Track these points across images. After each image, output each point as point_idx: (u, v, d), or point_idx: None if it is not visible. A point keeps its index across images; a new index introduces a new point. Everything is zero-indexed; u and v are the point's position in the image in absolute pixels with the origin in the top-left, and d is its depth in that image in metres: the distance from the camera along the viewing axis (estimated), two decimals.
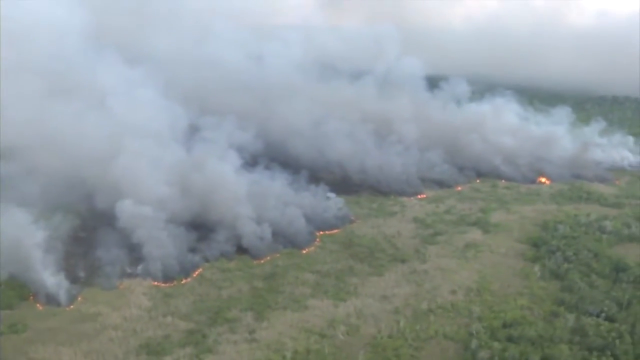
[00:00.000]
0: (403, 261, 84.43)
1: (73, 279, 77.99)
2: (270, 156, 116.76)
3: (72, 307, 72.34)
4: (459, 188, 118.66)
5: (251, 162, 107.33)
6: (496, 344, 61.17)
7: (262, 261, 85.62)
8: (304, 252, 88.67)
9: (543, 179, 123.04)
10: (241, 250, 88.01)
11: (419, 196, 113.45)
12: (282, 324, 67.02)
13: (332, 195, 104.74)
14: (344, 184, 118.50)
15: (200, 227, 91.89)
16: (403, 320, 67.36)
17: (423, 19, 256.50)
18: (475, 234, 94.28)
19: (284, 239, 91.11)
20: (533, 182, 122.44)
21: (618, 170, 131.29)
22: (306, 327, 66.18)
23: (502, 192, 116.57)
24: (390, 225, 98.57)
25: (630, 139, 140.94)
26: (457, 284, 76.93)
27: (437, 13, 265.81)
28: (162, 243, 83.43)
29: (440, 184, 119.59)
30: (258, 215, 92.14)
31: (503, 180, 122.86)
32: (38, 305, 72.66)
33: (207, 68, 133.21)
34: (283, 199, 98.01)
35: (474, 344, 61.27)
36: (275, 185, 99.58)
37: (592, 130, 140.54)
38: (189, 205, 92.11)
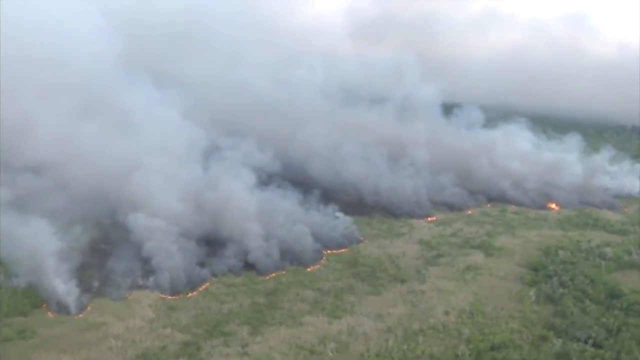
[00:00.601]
0: (402, 281, 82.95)
1: (85, 289, 78.97)
2: (288, 176, 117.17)
3: (80, 315, 73.10)
4: (469, 212, 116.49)
5: (267, 181, 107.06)
6: None
7: (267, 277, 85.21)
8: (309, 269, 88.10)
9: (552, 205, 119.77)
10: (248, 266, 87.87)
11: (429, 218, 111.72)
12: (275, 339, 66.36)
13: (340, 214, 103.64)
14: (358, 205, 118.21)
15: (211, 243, 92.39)
16: (393, 340, 66.06)
17: (450, 48, 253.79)
18: (478, 257, 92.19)
19: (291, 256, 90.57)
20: (542, 207, 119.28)
21: (627, 198, 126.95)
22: (297, 343, 65.33)
23: (511, 216, 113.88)
24: (396, 246, 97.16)
25: (639, 167, 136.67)
26: (451, 305, 75.19)
27: (463, 43, 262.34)
28: (171, 256, 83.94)
29: (451, 207, 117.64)
30: (267, 233, 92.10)
31: (513, 205, 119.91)
32: (49, 313, 73.55)
33: (235, 92, 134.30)
34: (292, 217, 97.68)
35: None
36: (285, 204, 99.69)
37: (602, 158, 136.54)
38: (202, 221, 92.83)
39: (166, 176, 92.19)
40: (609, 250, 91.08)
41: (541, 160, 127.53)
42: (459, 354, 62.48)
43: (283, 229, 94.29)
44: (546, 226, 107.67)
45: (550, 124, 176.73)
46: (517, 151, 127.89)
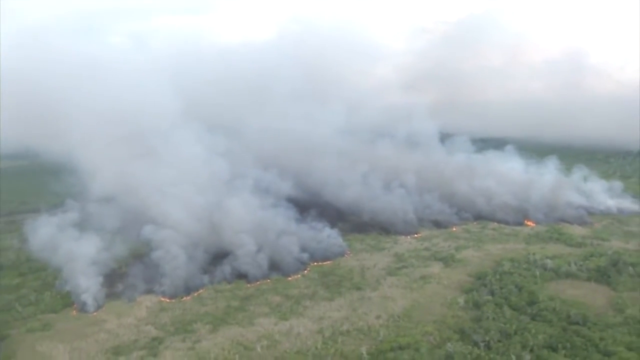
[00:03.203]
0: (359, 289, 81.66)
1: (108, 291, 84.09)
2: (306, 200, 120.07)
3: (95, 313, 77.78)
4: (454, 229, 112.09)
5: (278, 203, 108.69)
6: None
7: (252, 285, 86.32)
8: (290, 278, 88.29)
9: (528, 222, 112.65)
10: (241, 274, 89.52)
11: (415, 235, 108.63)
12: (224, 337, 67.96)
13: (330, 231, 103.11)
14: (359, 223, 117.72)
15: (217, 253, 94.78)
16: (318, 339, 65.62)
17: (483, 93, 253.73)
18: (436, 268, 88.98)
19: (278, 267, 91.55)
20: (520, 224, 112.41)
21: (602, 215, 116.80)
22: (239, 340, 66.60)
23: (488, 232, 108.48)
24: (372, 259, 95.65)
25: (618, 184, 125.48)
26: (386, 310, 73.36)
27: (492, 88, 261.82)
28: (175, 263, 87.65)
29: (438, 224, 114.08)
30: (260, 246, 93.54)
31: (495, 223, 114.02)
32: (74, 311, 78.94)
33: (278, 136, 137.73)
34: (285, 232, 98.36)
35: None
36: (279, 221, 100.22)
37: (578, 177, 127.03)
38: (209, 235, 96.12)
39: (182, 200, 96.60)
40: (549, 262, 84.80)
41: (514, 179, 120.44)
42: (363, 352, 60.93)
43: (275, 242, 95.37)
44: (513, 240, 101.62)
45: (561, 152, 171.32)
46: (494, 173, 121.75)
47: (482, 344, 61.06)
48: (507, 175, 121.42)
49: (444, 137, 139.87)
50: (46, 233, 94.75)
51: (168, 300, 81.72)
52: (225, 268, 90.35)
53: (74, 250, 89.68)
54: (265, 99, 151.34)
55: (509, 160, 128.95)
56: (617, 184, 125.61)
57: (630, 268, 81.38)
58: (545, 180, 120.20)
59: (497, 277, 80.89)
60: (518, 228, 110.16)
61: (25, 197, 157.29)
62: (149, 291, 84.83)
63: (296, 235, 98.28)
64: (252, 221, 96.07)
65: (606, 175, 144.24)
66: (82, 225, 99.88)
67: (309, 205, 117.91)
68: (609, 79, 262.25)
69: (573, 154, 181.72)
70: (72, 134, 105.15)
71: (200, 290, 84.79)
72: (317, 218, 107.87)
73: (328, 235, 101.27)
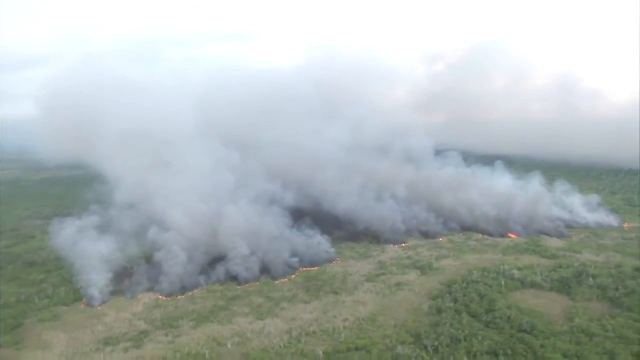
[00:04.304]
0: (336, 293, 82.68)
1: (115, 289, 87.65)
2: (309, 210, 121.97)
3: (99, 308, 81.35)
4: (441, 239, 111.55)
5: (278, 212, 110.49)
6: None
7: (242, 287, 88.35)
8: (277, 282, 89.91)
9: (511, 234, 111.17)
10: (233, 277, 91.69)
11: (403, 244, 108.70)
12: (202, 333, 70.25)
13: (321, 238, 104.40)
14: (355, 232, 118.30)
15: (217, 257, 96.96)
16: (285, 339, 67.14)
17: (483, 114, 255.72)
18: (412, 276, 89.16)
19: (268, 271, 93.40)
20: (503, 236, 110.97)
21: (582, 228, 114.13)
22: (215, 337, 68.72)
23: (471, 243, 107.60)
24: (357, 266, 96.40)
25: (595, 198, 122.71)
26: (355, 314, 74.24)
27: (498, 109, 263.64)
28: (174, 265, 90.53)
29: (426, 235, 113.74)
30: (253, 250, 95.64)
31: (480, 234, 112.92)
32: (82, 305, 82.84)
33: (288, 150, 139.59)
34: (279, 238, 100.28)
35: None
36: (272, 228, 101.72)
37: (560, 192, 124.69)
38: (209, 240, 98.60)
39: (186, 206, 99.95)
40: (517, 272, 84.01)
41: (497, 192, 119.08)
42: (320, 353, 62.15)
43: (268, 248, 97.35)
44: (492, 251, 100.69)
45: (559, 169, 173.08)
46: (477, 186, 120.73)
47: (431, 348, 61.44)
48: (491, 188, 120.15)
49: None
50: (69, 234, 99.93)
51: (164, 299, 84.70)
52: (220, 270, 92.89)
53: (89, 249, 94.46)
54: (282, 118, 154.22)
55: (498, 176, 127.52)
56: (594, 198, 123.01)
57: (591, 279, 80.00)
58: (526, 193, 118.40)
59: (464, 285, 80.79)
60: (500, 240, 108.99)
61: (65, 203, 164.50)
62: (151, 289, 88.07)
63: (288, 241, 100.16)
64: (247, 227, 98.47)
65: (597, 191, 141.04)
66: (103, 228, 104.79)
67: (311, 215, 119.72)
68: (604, 102, 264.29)
69: (569, 171, 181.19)
70: (103, 148, 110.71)
71: (195, 290, 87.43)
72: (312, 226, 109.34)
73: (318, 242, 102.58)
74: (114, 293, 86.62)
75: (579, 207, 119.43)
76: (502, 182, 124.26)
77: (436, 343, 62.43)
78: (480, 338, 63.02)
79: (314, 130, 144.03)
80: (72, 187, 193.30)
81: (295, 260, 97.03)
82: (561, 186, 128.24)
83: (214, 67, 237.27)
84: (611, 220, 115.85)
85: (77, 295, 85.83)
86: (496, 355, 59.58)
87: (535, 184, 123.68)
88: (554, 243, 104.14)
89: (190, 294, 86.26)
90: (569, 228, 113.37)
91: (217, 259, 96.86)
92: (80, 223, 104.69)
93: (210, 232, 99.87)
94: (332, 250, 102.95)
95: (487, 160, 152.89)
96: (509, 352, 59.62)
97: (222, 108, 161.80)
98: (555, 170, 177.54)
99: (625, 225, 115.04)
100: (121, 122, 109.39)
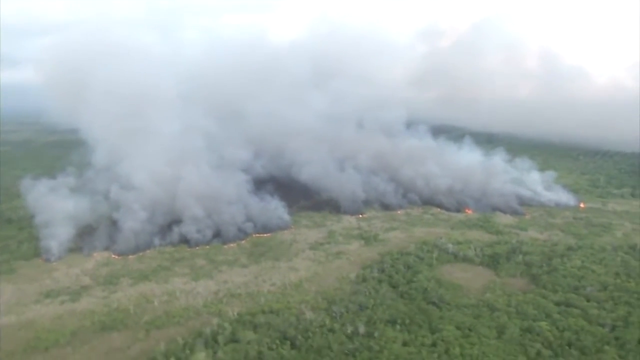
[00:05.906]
0: (276, 259, 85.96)
1: (74, 246, 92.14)
2: (279, 178, 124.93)
3: (54, 263, 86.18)
4: (399, 212, 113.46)
5: (247, 180, 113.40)
6: (227, 325, 62.26)
7: (192, 250, 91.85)
8: (225, 246, 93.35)
9: (467, 210, 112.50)
10: (186, 239, 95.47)
11: (360, 215, 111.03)
12: (136, 291, 74.52)
13: (277, 204, 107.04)
14: (318, 201, 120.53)
15: (175, 220, 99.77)
16: (209, 299, 70.98)
17: (476, 91, 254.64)
18: (355, 246, 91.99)
19: (219, 235, 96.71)
20: (460, 211, 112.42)
21: (539, 206, 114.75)
22: (146, 295, 72.93)
23: (426, 217, 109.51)
24: (307, 235, 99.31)
25: (551, 175, 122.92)
26: (285, 279, 77.48)
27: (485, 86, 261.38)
28: (131, 225, 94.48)
29: (387, 207, 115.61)
30: (208, 213, 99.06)
31: (438, 209, 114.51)
32: (40, 260, 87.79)
33: (270, 120, 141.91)
34: (235, 203, 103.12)
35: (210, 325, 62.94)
36: (231, 193, 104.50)
37: (520, 167, 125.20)
38: (169, 202, 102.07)
39: (150, 170, 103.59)
40: (450, 246, 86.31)
41: (456, 165, 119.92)
42: (234, 313, 65.84)
43: (222, 210, 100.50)
44: (443, 225, 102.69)
45: (541, 149, 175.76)
46: (436, 160, 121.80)
47: (337, 315, 64.51)
48: (452, 163, 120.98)
49: (438, 130, 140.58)
50: (40, 193, 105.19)
51: (116, 257, 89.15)
52: (175, 232, 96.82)
53: (55, 206, 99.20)
54: (271, 89, 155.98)
55: (466, 151, 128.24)
56: (550, 175, 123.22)
57: (521, 256, 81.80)
58: (480, 167, 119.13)
59: (397, 257, 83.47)
60: (454, 214, 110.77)
61: (61, 164, 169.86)
62: (108, 248, 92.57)
63: (245, 207, 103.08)
64: (205, 190, 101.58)
65: (570, 171, 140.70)
66: (76, 189, 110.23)
67: (277, 183, 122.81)
68: (589, 83, 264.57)
69: (550, 151, 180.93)
70: (86, 111, 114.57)
71: (147, 251, 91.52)
72: (272, 193, 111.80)
73: (275, 209, 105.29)
74: (72, 250, 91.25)
75: (537, 184, 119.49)
76: (464, 157, 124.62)
77: (343, 310, 65.56)
78: (385, 307, 65.97)
79: (296, 101, 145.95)
80: (72, 150, 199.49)
81: (250, 225, 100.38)
82: (521, 163, 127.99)
83: (219, 38, 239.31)
84: (569, 199, 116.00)
85: (37, 251, 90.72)
86: (394, 323, 62.47)
87: (497, 160, 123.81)
88: (504, 219, 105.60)
89: (141, 254, 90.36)
90: (526, 205, 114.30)
91: (176, 221, 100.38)
92: (54, 183, 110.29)
93: (171, 195, 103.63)
94: (287, 217, 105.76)
95: (477, 138, 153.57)
96: (407, 321, 62.51)
97: (217, 78, 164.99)
98: (537, 149, 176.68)
99: (582, 204, 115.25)
100: (104, 87, 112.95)
